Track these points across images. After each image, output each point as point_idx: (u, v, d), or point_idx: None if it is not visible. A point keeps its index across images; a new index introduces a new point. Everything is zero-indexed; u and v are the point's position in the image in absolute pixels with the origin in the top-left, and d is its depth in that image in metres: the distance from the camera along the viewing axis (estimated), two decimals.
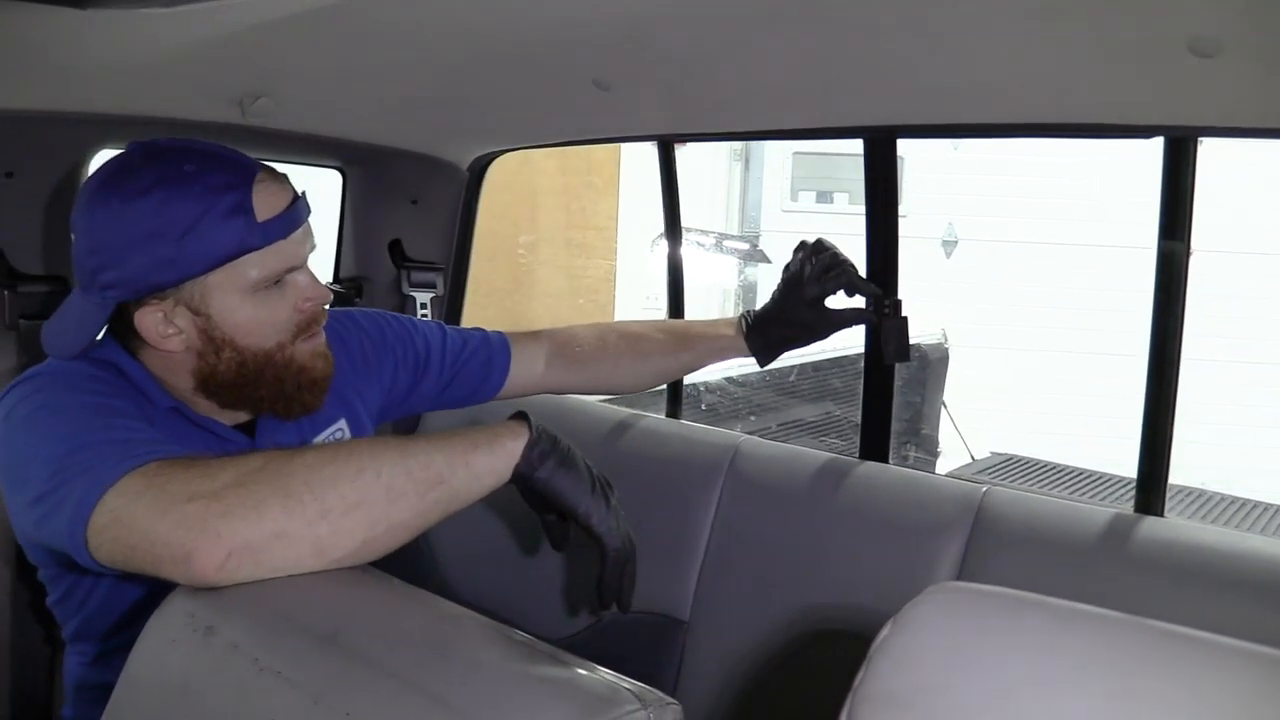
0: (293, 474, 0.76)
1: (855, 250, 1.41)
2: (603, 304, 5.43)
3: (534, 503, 0.91)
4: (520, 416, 0.89)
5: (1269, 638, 0.44)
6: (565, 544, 0.95)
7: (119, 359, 0.98)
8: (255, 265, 0.94)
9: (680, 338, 1.41)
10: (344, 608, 0.74)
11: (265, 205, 0.94)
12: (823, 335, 1.36)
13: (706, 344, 1.41)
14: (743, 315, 1.40)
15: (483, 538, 1.80)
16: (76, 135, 1.49)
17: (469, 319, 2.22)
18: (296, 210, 0.97)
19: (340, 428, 1.16)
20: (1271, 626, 1.12)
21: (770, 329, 1.37)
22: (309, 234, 1.00)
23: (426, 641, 0.67)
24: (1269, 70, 1.05)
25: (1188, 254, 1.29)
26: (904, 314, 1.39)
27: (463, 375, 1.30)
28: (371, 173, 1.99)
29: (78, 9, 1.04)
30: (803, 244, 1.37)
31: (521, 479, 0.86)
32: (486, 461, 0.84)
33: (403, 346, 1.25)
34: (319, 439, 1.13)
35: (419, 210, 2.05)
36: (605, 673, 0.62)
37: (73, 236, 0.95)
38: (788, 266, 1.37)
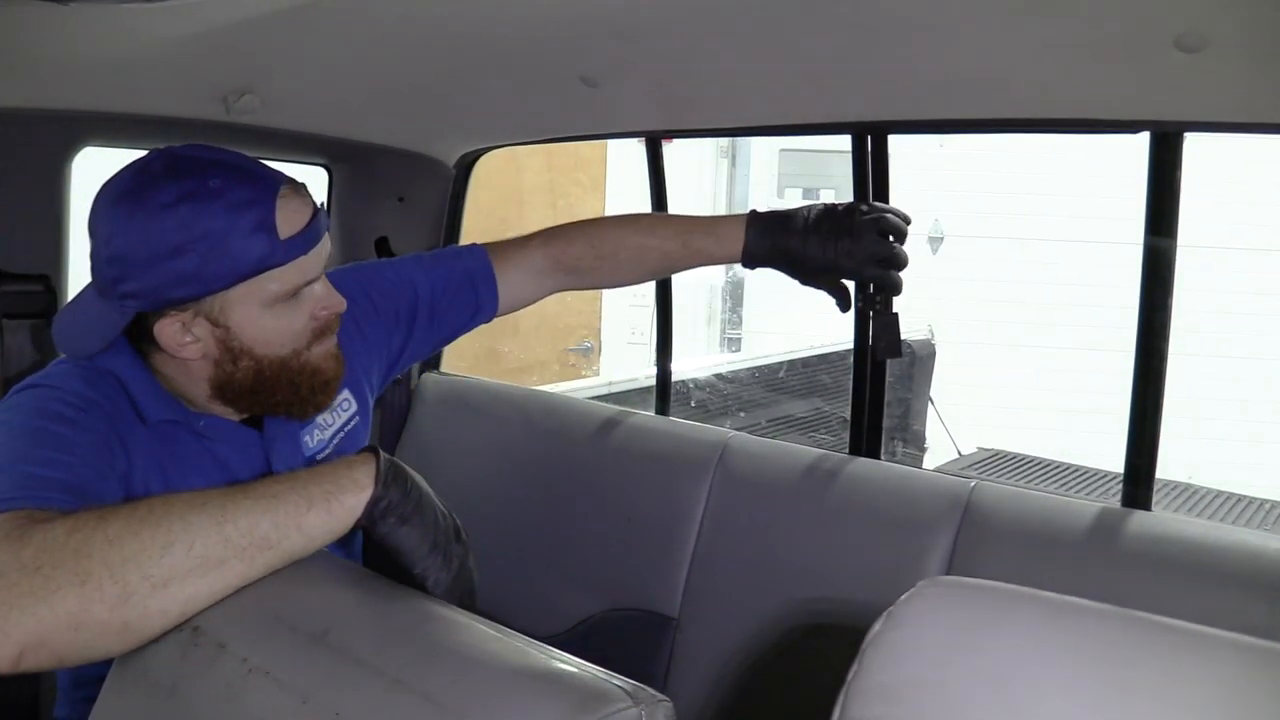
0: (92, 553, 0.71)
1: None
2: (589, 298, 5.43)
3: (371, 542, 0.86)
4: (371, 456, 0.82)
5: (1254, 628, 0.44)
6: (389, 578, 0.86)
7: (121, 368, 0.97)
8: (275, 280, 0.94)
9: (679, 242, 1.32)
10: (333, 607, 0.73)
11: (288, 222, 0.93)
12: (805, 283, 1.29)
13: (704, 251, 1.32)
14: (752, 212, 1.28)
15: (470, 535, 1.79)
16: (60, 133, 1.48)
17: None
18: (317, 224, 0.96)
19: (346, 397, 1.16)
20: (1256, 617, 1.13)
21: (777, 238, 1.26)
22: (326, 243, 0.99)
23: (416, 640, 0.67)
24: (1255, 65, 1.05)
25: (1174, 249, 1.30)
26: (895, 310, 1.39)
27: (452, 314, 1.27)
28: (358, 170, 1.98)
29: (60, 4, 1.03)
30: (871, 218, 1.27)
31: (360, 530, 0.82)
32: (322, 522, 0.79)
33: (391, 307, 1.23)
34: (328, 411, 1.11)
35: (406, 207, 2.04)
36: (596, 670, 0.62)
37: (90, 240, 0.94)
38: (840, 213, 1.26)
